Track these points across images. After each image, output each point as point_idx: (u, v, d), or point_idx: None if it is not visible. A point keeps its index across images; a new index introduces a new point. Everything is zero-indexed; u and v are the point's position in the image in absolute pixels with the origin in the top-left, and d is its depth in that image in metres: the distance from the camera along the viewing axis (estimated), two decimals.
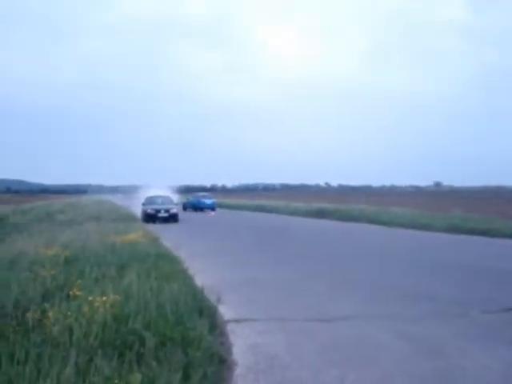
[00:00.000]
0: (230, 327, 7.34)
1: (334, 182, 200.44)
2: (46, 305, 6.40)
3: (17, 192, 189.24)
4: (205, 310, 7.44)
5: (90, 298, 6.40)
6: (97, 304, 6.18)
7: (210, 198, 52.98)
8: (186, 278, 9.56)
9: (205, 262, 13.86)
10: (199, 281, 10.38)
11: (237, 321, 7.73)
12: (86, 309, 6.07)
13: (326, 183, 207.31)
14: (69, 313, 6.02)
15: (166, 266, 10.31)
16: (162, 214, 32.59)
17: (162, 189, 45.37)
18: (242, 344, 6.54)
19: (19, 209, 42.95)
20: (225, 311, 8.20)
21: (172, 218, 32.80)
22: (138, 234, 16.16)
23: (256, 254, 16.08)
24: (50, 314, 6.01)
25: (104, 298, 6.37)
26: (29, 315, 6.04)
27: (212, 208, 50.14)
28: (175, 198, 47.16)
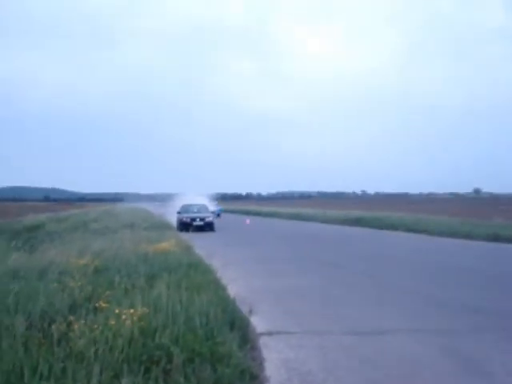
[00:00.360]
0: (262, 341, 7.06)
1: (371, 190, 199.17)
2: (72, 317, 6.21)
3: (55, 200, 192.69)
4: (236, 323, 7.16)
5: (117, 311, 6.19)
6: (124, 317, 5.96)
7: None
8: (217, 289, 9.27)
9: (238, 271, 13.63)
10: (232, 291, 10.14)
11: (270, 333, 7.45)
12: (112, 322, 5.86)
13: (363, 191, 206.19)
14: (95, 326, 5.82)
15: (198, 276, 10.07)
16: (198, 223, 32.23)
17: (198, 197, 44.84)
18: (274, 359, 6.26)
19: (55, 217, 43.37)
20: (257, 323, 7.93)
21: (208, 227, 32.32)
22: (170, 242, 15.98)
23: (291, 263, 15.72)
24: (76, 326, 5.81)
25: (132, 311, 6.16)
26: (54, 327, 5.84)
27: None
28: (213, 205, 46.85)
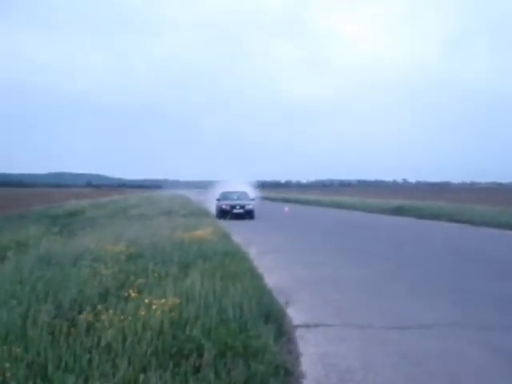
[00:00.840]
0: (299, 333, 6.76)
1: (412, 179, 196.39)
2: (100, 306, 5.99)
3: (97, 186, 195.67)
4: (272, 314, 6.85)
5: (147, 301, 5.94)
6: (154, 307, 5.72)
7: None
8: (253, 278, 8.99)
9: (276, 260, 13.32)
10: (268, 280, 9.90)
11: (307, 326, 7.14)
12: (142, 312, 5.62)
13: (404, 179, 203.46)
14: (124, 316, 5.59)
15: (233, 265, 9.79)
16: (238, 210, 31.63)
17: (238, 184, 44.11)
18: (311, 353, 5.96)
19: (95, 203, 43.85)
20: (294, 314, 7.64)
21: (248, 215, 31.71)
22: (207, 229, 15.77)
23: (330, 253, 15.22)
24: (104, 316, 5.59)
25: (163, 301, 5.91)
26: (82, 317, 5.64)
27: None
28: (255, 192, 46.33)
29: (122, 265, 9.08)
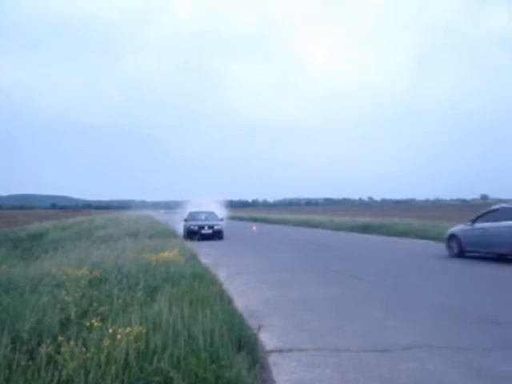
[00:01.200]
0: (272, 359, 6.46)
1: (377, 197, 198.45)
2: (61, 337, 5.59)
3: (62, 208, 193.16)
4: (244, 340, 6.54)
5: (111, 330, 5.57)
6: (119, 336, 5.35)
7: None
8: (223, 302, 8.66)
9: (246, 281, 12.99)
10: (239, 303, 9.63)
11: (280, 351, 6.85)
12: (106, 343, 5.24)
13: (369, 197, 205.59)
14: (85, 348, 5.21)
15: (202, 288, 9.45)
16: (206, 231, 31.01)
17: (206, 203, 43.47)
18: (286, 380, 5.66)
19: (60, 224, 43.00)
20: (267, 339, 7.37)
21: (217, 235, 31.09)
22: (174, 251, 15.35)
23: (302, 272, 15.03)
24: (65, 348, 5.20)
25: (128, 330, 5.54)
26: (41, 349, 5.24)
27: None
28: (224, 212, 45.89)
29: (84, 290, 8.62)
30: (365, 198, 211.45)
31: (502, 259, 16.97)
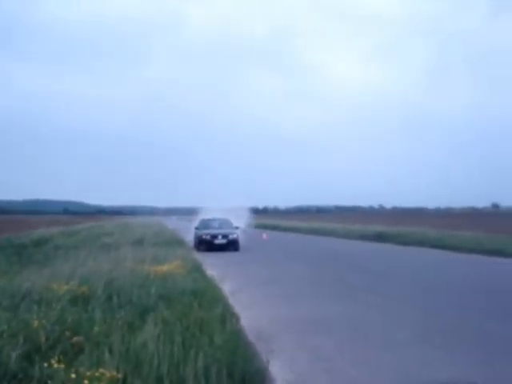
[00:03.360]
0: None
1: (388, 204, 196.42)
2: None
3: (74, 213, 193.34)
4: (249, 376, 5.32)
5: (74, 375, 4.37)
6: (86, 382, 4.16)
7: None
8: (227, 324, 7.45)
9: (254, 296, 11.86)
10: (246, 322, 8.60)
11: None
12: None
13: (380, 205, 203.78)
14: None
15: (203, 308, 8.30)
16: (220, 241, 27.15)
17: (224, 210, 40.14)
18: None
19: (67, 231, 42.10)
20: (276, 370, 6.15)
21: (232, 246, 27.24)
22: (177, 262, 14.24)
23: (314, 286, 13.70)
24: None
25: (97, 374, 4.34)
26: None
27: None
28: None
29: (63, 311, 7.42)
30: (375, 205, 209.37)
31: None
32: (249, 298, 11.43)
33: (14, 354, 5.06)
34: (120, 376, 4.50)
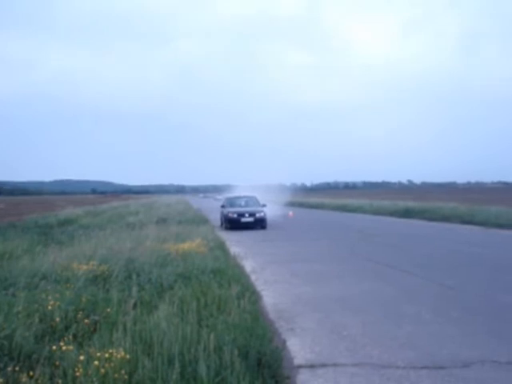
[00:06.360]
0: (301, 377, 5.12)
1: (417, 180, 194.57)
2: (18, 366, 4.32)
3: (102, 193, 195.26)
4: (265, 359, 5.15)
5: (82, 357, 4.26)
6: (95, 362, 4.05)
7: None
8: (246, 302, 7.29)
9: (277, 272, 11.74)
10: (267, 300, 8.62)
11: (312, 366, 5.50)
12: (78, 372, 3.97)
13: (409, 180, 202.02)
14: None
15: (224, 286, 8.18)
16: (246, 219, 26.60)
17: (251, 189, 38.97)
18: None
19: (93, 210, 42.38)
20: (296, 349, 6.04)
21: (259, 224, 26.82)
22: (199, 240, 14.17)
23: (340, 263, 13.43)
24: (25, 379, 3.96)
25: (108, 354, 4.23)
26: None
27: None
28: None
29: (81, 291, 7.38)
30: (404, 181, 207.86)
31: None
32: (272, 275, 11.32)
33: (28, 335, 5.02)
34: (129, 357, 4.41)
